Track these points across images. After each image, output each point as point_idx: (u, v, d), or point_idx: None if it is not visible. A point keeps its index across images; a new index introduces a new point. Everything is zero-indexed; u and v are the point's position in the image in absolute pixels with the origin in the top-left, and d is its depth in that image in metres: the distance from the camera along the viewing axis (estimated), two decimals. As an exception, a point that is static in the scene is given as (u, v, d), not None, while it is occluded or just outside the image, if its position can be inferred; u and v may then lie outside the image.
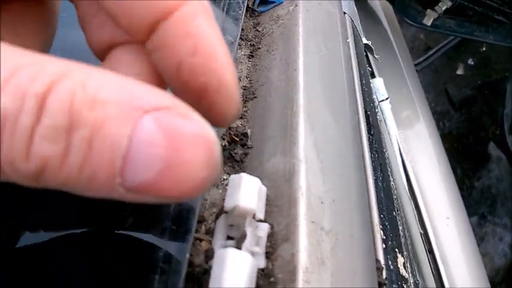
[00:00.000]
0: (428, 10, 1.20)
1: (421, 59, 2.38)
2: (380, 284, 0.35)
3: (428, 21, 1.21)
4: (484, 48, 2.41)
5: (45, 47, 0.28)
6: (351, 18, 0.61)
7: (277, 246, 0.30)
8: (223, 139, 0.38)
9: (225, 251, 0.27)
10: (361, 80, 0.53)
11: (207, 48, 0.24)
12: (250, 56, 0.48)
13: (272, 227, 0.31)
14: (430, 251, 0.81)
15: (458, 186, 0.98)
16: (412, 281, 0.44)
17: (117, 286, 0.27)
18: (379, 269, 0.36)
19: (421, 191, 0.88)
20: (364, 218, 0.38)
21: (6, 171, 0.19)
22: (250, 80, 0.45)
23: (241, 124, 0.40)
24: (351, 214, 0.35)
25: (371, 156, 0.45)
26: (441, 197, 0.91)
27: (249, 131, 0.39)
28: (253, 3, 0.55)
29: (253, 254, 0.29)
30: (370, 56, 0.78)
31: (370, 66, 0.86)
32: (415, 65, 1.87)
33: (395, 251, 0.41)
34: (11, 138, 0.18)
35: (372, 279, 0.34)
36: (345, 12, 0.60)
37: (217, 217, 0.31)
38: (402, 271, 0.40)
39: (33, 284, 0.26)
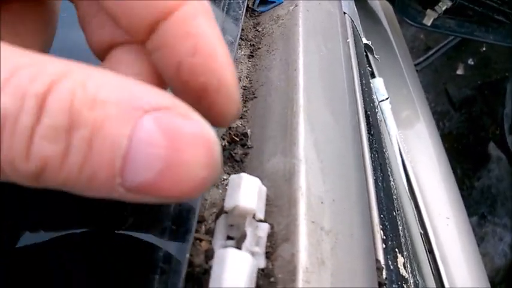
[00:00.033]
0: (428, 10, 1.20)
1: (421, 59, 2.38)
2: (380, 284, 0.35)
3: (428, 21, 1.21)
4: (484, 48, 2.41)
5: (45, 47, 0.28)
6: (351, 18, 0.61)
7: (277, 246, 0.30)
8: (223, 139, 0.38)
9: (225, 251, 0.27)
10: (361, 80, 0.53)
11: (207, 48, 0.24)
12: (250, 56, 0.48)
13: (272, 227, 0.31)
14: (430, 251, 0.81)
15: (458, 186, 0.98)
16: (412, 281, 0.44)
17: (117, 286, 0.27)
18: (379, 269, 0.36)
19: (421, 191, 0.88)
20: (364, 218, 0.38)
21: (6, 171, 0.19)
22: (250, 80, 0.45)
23: (241, 124, 0.40)
24: (351, 214, 0.35)
25: (371, 156, 0.45)
26: (441, 197, 0.91)
27: (249, 131, 0.39)
28: (253, 3, 0.55)
29: (253, 254, 0.29)
30: (370, 56, 0.78)
31: (370, 66, 0.86)
32: (415, 65, 1.87)
33: (395, 251, 0.41)
34: (11, 138, 0.18)
35: (372, 279, 0.34)
36: (345, 12, 0.60)
37: (217, 217, 0.31)
38: (402, 271, 0.40)
39: (33, 284, 0.26)
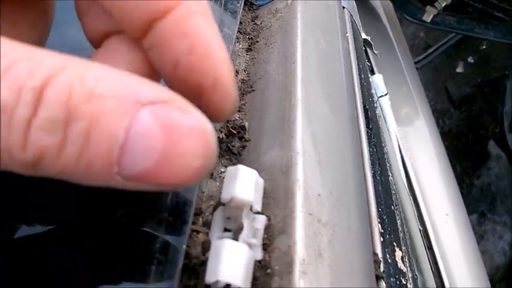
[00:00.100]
0: (428, 7, 1.20)
1: (421, 57, 2.38)
2: (378, 277, 0.35)
3: (428, 17, 1.21)
4: (483, 46, 2.41)
5: (42, 39, 0.28)
6: (350, 13, 0.61)
7: (274, 238, 0.30)
8: (221, 132, 0.38)
9: (221, 242, 0.27)
10: (359, 74, 0.53)
11: (204, 46, 0.24)
12: (249, 50, 0.48)
13: (269, 219, 0.31)
14: (429, 248, 0.81)
15: (458, 184, 0.98)
16: (410, 276, 0.44)
17: (113, 277, 0.27)
18: (376, 262, 0.36)
19: (421, 188, 0.88)
20: (361, 211, 0.38)
21: (4, 160, 0.19)
22: (248, 73, 0.45)
23: (239, 117, 0.40)
24: (349, 207, 0.35)
25: (369, 149, 0.45)
26: (440, 194, 0.91)
27: (246, 124, 0.39)
28: (252, -4, 0.55)
29: (250, 245, 0.28)
30: (370, 53, 0.78)
31: (370, 62, 0.86)
32: (415, 63, 1.87)
33: (393, 245, 0.41)
34: (8, 128, 0.19)
35: (369, 272, 0.34)
36: (344, 7, 0.60)
37: (214, 209, 0.31)
38: (400, 265, 0.40)
39: (27, 276, 0.26)
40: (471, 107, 2.35)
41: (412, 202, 0.80)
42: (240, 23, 0.49)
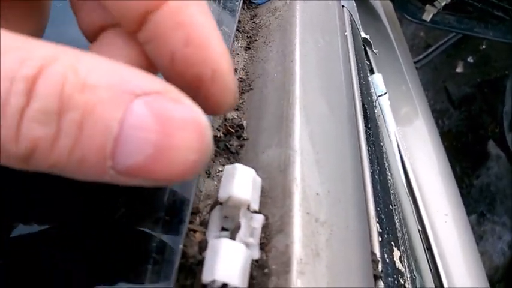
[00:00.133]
0: (427, 6, 1.20)
1: (421, 56, 2.38)
2: (375, 277, 0.35)
3: (427, 17, 1.21)
4: (483, 46, 2.41)
5: (37, 34, 0.28)
6: (350, 12, 0.61)
7: (272, 237, 0.29)
8: (219, 130, 0.38)
9: (218, 241, 0.27)
10: (358, 73, 0.53)
11: (200, 38, 0.24)
12: (247, 48, 0.48)
13: (267, 218, 0.30)
14: (428, 248, 0.81)
15: (458, 184, 0.98)
16: (408, 276, 0.44)
17: (109, 276, 0.26)
18: (374, 262, 0.36)
19: (420, 188, 0.88)
20: (359, 210, 0.37)
21: None
22: (246, 72, 0.45)
23: (237, 116, 0.40)
24: (347, 206, 0.35)
25: (367, 149, 0.45)
26: (440, 194, 0.91)
27: (244, 123, 0.39)
28: (251, -5, 0.55)
29: (247, 245, 0.28)
30: (369, 52, 0.78)
31: (369, 62, 0.86)
32: (415, 63, 1.87)
33: (392, 245, 0.41)
34: (0, 120, 0.18)
35: (367, 272, 0.34)
36: (343, 6, 0.60)
37: (211, 208, 0.31)
38: (398, 264, 0.40)
39: (24, 275, 0.25)
40: (471, 107, 2.35)
41: (411, 202, 0.80)
42: (239, 21, 0.49)
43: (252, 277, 0.27)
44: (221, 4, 0.45)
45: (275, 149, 0.35)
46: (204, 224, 0.31)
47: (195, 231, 0.30)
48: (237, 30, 0.48)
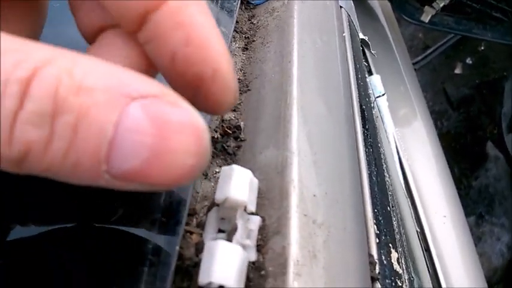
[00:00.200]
0: (426, 7, 1.20)
1: (420, 57, 2.38)
2: (373, 279, 0.35)
3: (426, 18, 1.21)
4: (482, 48, 2.41)
5: (34, 36, 0.28)
6: (348, 13, 0.61)
7: (269, 239, 0.29)
8: (216, 131, 0.38)
9: (215, 243, 0.26)
10: (356, 74, 0.53)
11: (200, 37, 0.24)
12: (245, 49, 0.48)
13: (264, 220, 0.30)
14: (427, 249, 0.80)
15: (456, 186, 0.98)
16: (406, 277, 0.43)
17: (105, 278, 0.26)
18: (372, 264, 0.36)
19: (418, 189, 0.88)
20: (357, 211, 0.37)
21: None
22: (244, 73, 0.45)
23: (234, 117, 0.40)
24: (344, 207, 0.35)
25: (365, 150, 0.45)
26: (438, 195, 0.91)
27: (242, 124, 0.39)
28: (249, -5, 0.55)
29: (244, 246, 0.28)
30: (368, 53, 0.78)
31: (368, 63, 0.86)
32: (414, 64, 1.87)
33: (389, 246, 0.41)
34: None
35: (364, 274, 0.34)
36: (341, 7, 0.60)
37: (208, 210, 0.31)
38: (396, 266, 0.40)
39: (21, 276, 0.25)
40: (469, 108, 2.35)
41: (410, 203, 0.80)
42: (237, 22, 0.49)
43: (248, 279, 0.27)
44: (219, 4, 0.45)
45: (272, 150, 0.35)
46: (201, 225, 0.30)
47: (191, 232, 0.30)
48: (235, 30, 0.48)
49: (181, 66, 0.24)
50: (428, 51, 2.42)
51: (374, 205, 0.41)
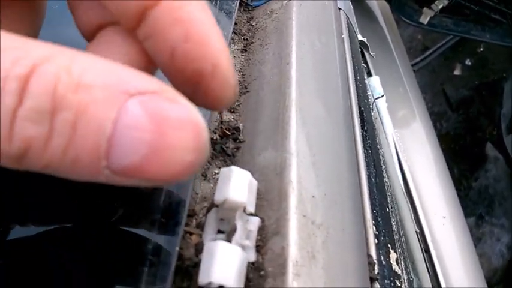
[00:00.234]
0: (424, 8, 1.20)
1: (419, 59, 2.38)
2: (372, 279, 0.35)
3: (424, 19, 1.21)
4: (481, 49, 2.42)
5: (33, 35, 0.28)
6: (346, 15, 0.61)
7: (268, 239, 0.30)
8: (215, 133, 0.38)
9: (214, 244, 0.27)
10: (355, 76, 0.53)
11: (199, 33, 0.24)
12: (244, 51, 0.48)
13: (263, 221, 0.31)
14: (427, 250, 0.80)
15: (456, 187, 0.98)
16: (405, 278, 0.44)
17: (105, 278, 0.27)
18: (370, 264, 0.36)
19: (417, 190, 0.88)
20: (356, 212, 0.37)
21: None
22: (243, 74, 0.45)
23: (233, 118, 0.40)
24: (343, 208, 0.35)
25: (364, 151, 0.45)
26: (437, 196, 0.91)
27: (241, 125, 0.39)
28: (247, -3, 0.55)
29: (243, 247, 0.28)
30: (367, 55, 0.78)
31: (367, 64, 0.86)
32: (413, 65, 1.88)
33: (388, 247, 0.41)
34: None
35: (363, 274, 0.34)
36: (340, 8, 0.60)
37: (208, 211, 0.31)
38: (395, 267, 0.40)
39: (21, 276, 0.25)
40: (469, 110, 2.35)
41: (409, 204, 0.80)
42: (235, 23, 0.49)
43: (248, 279, 0.28)
44: (217, 6, 0.45)
45: (271, 151, 0.35)
46: (200, 226, 0.31)
47: (191, 233, 0.30)
48: (234, 32, 0.48)
49: (180, 63, 0.24)
50: (428, 52, 2.42)
51: (373, 206, 0.41)
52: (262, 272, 0.28)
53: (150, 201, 0.29)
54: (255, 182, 0.31)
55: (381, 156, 0.55)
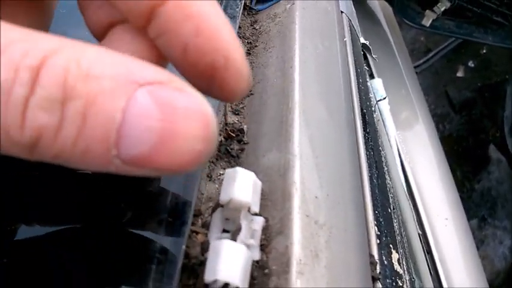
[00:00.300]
0: (427, 11, 1.20)
1: (421, 61, 2.38)
2: (374, 279, 0.35)
3: (427, 22, 1.21)
4: (484, 51, 2.41)
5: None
6: (349, 18, 0.62)
7: (272, 239, 0.30)
8: (220, 135, 0.38)
9: (220, 243, 0.27)
10: (357, 79, 0.53)
11: (210, 27, 0.24)
12: (247, 54, 0.48)
13: (267, 221, 0.31)
14: (429, 252, 0.81)
15: (458, 189, 0.98)
16: (407, 278, 0.44)
17: (114, 275, 0.27)
18: (372, 264, 0.36)
19: (420, 192, 0.88)
20: (358, 213, 0.38)
21: (3, 142, 0.19)
22: (247, 77, 0.45)
23: (237, 120, 0.41)
24: (345, 209, 0.36)
25: (366, 153, 0.45)
26: (440, 198, 0.91)
27: (245, 127, 0.39)
28: (251, 1, 0.55)
29: (248, 246, 0.29)
30: (369, 57, 0.78)
31: (369, 67, 0.86)
32: (415, 67, 1.88)
33: (390, 247, 0.41)
34: (5, 107, 0.19)
35: (365, 273, 0.35)
36: (342, 11, 0.61)
37: (213, 211, 0.31)
38: (397, 267, 0.41)
39: (30, 276, 0.26)
40: (471, 112, 2.34)
41: (411, 206, 0.80)
42: (239, 27, 0.50)
43: (252, 277, 0.28)
44: (222, 10, 0.46)
45: (275, 153, 0.35)
46: (206, 225, 0.31)
47: (197, 232, 0.31)
48: (238, 36, 0.49)
49: (193, 57, 0.24)
50: (430, 54, 2.41)
51: (375, 207, 0.42)
52: (266, 270, 0.28)
53: (157, 202, 0.30)
54: (259, 183, 0.32)
55: (383, 158, 0.55)
